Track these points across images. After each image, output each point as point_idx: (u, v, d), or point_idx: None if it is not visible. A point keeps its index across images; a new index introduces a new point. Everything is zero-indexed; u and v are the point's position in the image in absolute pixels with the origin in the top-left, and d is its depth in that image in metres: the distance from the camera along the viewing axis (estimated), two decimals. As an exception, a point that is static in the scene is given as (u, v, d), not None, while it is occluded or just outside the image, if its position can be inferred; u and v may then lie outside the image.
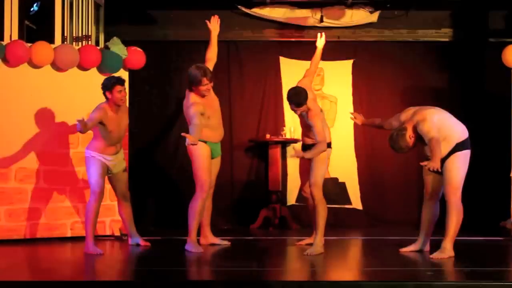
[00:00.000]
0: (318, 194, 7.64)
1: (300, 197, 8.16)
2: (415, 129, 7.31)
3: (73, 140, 8.55)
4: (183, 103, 7.84)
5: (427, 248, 7.64)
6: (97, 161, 7.68)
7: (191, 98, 7.78)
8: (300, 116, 7.76)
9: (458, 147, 7.37)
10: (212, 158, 7.89)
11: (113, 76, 7.85)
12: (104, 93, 7.66)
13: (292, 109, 7.65)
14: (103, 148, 7.72)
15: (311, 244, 7.70)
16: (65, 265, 7.22)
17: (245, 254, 7.77)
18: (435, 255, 7.30)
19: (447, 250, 7.31)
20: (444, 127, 7.34)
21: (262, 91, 10.14)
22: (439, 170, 7.20)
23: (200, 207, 7.77)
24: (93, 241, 7.61)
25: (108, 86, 7.64)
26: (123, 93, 7.69)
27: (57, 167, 8.52)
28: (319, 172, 7.66)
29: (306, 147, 7.89)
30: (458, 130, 7.42)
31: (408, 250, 7.68)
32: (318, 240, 7.60)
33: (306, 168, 7.90)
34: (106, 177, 7.84)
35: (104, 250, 7.83)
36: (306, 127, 7.80)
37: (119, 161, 7.87)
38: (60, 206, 8.54)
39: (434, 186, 7.56)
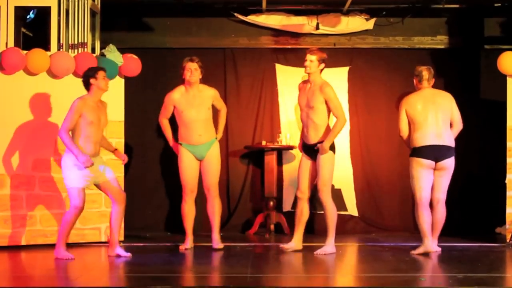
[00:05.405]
0: (327, 197, 7.83)
1: (296, 203, 8.15)
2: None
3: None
4: None
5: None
6: (77, 169, 7.47)
7: (176, 89, 8.15)
8: (306, 95, 7.87)
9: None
10: (200, 160, 8.05)
11: (93, 66, 7.82)
12: (87, 82, 7.53)
13: (310, 59, 7.82)
14: (83, 144, 7.49)
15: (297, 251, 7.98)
16: (58, 272, 7.21)
17: (240, 260, 7.77)
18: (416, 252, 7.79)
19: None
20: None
21: (258, 98, 10.14)
22: None
23: (185, 210, 8.16)
24: (65, 247, 7.59)
25: (92, 73, 7.55)
26: (107, 79, 7.65)
27: (52, 174, 8.52)
28: (327, 175, 7.81)
29: (307, 147, 7.93)
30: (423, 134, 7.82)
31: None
32: (329, 240, 7.89)
33: (308, 169, 7.96)
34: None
35: (98, 256, 7.91)
36: (310, 111, 7.82)
37: (101, 173, 7.61)
38: (56, 213, 8.53)
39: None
